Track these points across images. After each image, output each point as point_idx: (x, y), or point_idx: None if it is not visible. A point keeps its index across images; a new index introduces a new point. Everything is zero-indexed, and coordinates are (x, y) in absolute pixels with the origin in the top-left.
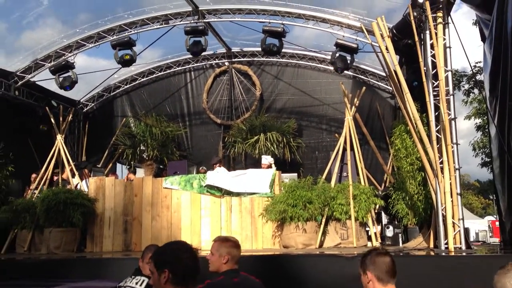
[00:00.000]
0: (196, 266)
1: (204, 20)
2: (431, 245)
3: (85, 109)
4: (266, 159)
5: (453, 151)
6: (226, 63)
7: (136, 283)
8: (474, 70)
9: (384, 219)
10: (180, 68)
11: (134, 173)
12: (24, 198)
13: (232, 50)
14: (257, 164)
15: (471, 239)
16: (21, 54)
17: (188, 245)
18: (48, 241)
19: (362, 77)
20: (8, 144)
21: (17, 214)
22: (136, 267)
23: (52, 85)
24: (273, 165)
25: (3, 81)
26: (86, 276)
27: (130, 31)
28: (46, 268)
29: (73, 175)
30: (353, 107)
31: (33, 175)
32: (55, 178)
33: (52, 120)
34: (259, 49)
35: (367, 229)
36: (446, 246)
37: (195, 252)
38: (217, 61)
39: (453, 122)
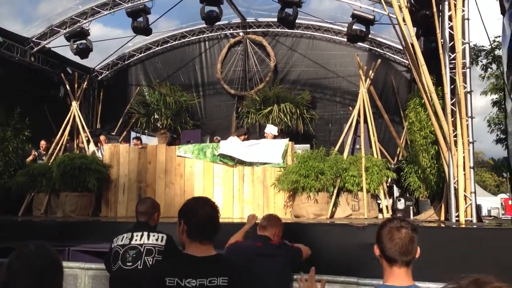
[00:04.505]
0: (211, 225)
1: None
2: (442, 218)
3: (100, 77)
4: (269, 129)
5: (467, 125)
6: (241, 33)
7: (156, 240)
8: (493, 45)
9: (396, 192)
10: (194, 37)
11: (140, 140)
12: (31, 162)
13: (247, 20)
14: None
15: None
16: (37, 21)
17: (209, 202)
18: (64, 204)
19: (378, 49)
20: (24, 109)
21: (33, 178)
22: (137, 223)
23: (67, 52)
24: (272, 135)
25: (19, 46)
26: (101, 239)
27: None
28: (62, 231)
29: (88, 142)
30: (368, 79)
31: (42, 142)
32: (68, 145)
33: (67, 87)
34: (274, 19)
35: (379, 201)
36: (457, 218)
37: (214, 211)
38: (231, 31)
39: (468, 95)
